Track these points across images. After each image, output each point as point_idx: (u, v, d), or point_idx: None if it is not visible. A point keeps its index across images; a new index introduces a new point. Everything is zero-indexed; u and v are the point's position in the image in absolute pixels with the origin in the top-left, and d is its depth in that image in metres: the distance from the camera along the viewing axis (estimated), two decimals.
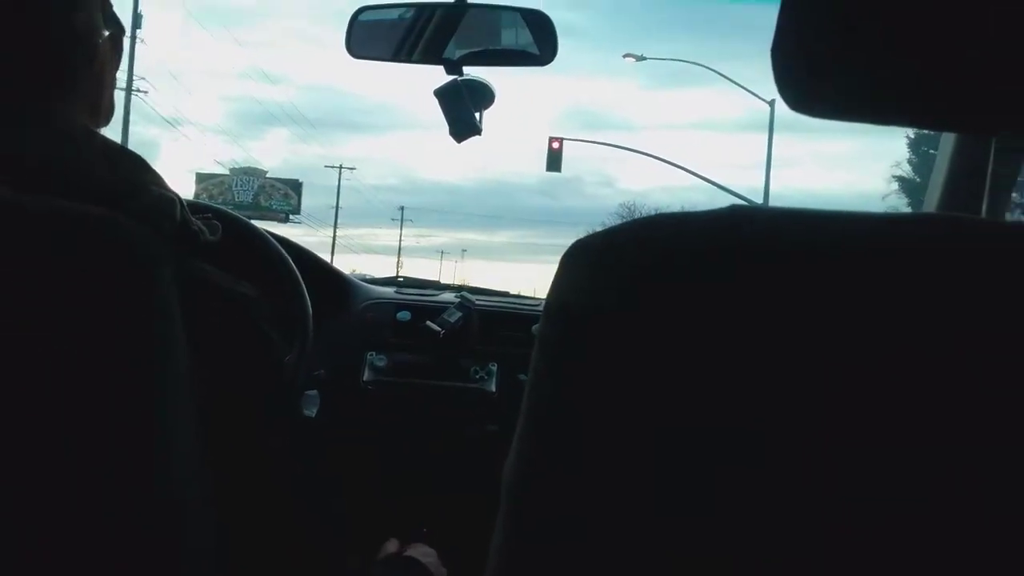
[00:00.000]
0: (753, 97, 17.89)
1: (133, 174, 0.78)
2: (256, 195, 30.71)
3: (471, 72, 1.41)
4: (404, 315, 1.74)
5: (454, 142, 1.48)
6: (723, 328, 0.49)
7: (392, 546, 1.22)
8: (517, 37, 1.36)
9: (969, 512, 0.45)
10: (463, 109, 1.41)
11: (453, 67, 1.37)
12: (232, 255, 1.16)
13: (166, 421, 0.68)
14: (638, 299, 0.51)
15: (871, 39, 0.51)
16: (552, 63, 1.36)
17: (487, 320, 1.73)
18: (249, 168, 32.20)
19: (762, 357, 0.48)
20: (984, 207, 0.55)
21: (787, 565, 0.46)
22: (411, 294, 1.84)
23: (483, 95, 1.43)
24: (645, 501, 0.49)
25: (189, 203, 1.34)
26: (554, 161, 17.21)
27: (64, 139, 0.74)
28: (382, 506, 1.64)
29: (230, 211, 1.53)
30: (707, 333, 0.49)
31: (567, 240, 0.59)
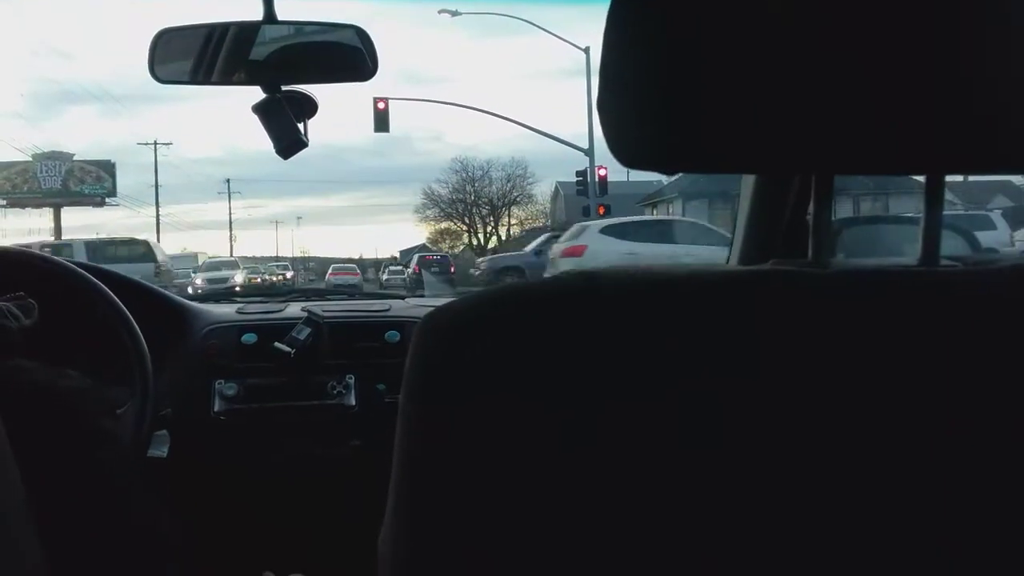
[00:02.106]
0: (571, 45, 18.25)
1: None
2: (65, 180, 28.57)
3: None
4: (250, 337, 1.67)
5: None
6: (588, 400, 0.50)
7: None
8: (336, 52, 1.31)
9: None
10: (285, 124, 1.35)
11: (270, 86, 1.31)
12: (56, 317, 1.07)
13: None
14: (498, 379, 0.51)
15: (693, 87, 0.51)
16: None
17: (338, 332, 1.68)
18: (53, 152, 29.84)
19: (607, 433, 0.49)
20: (810, 249, 0.58)
21: None
22: (254, 313, 1.77)
23: (305, 106, 1.38)
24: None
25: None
26: (381, 121, 16.93)
27: None
28: (253, 538, 1.59)
29: (49, 259, 1.42)
30: (571, 406, 0.50)
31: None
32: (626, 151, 0.55)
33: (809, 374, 0.49)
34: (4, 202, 28.36)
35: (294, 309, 1.78)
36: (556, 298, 0.53)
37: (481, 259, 23.22)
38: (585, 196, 18.74)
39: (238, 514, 1.62)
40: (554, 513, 0.49)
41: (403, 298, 1.97)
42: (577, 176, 18.96)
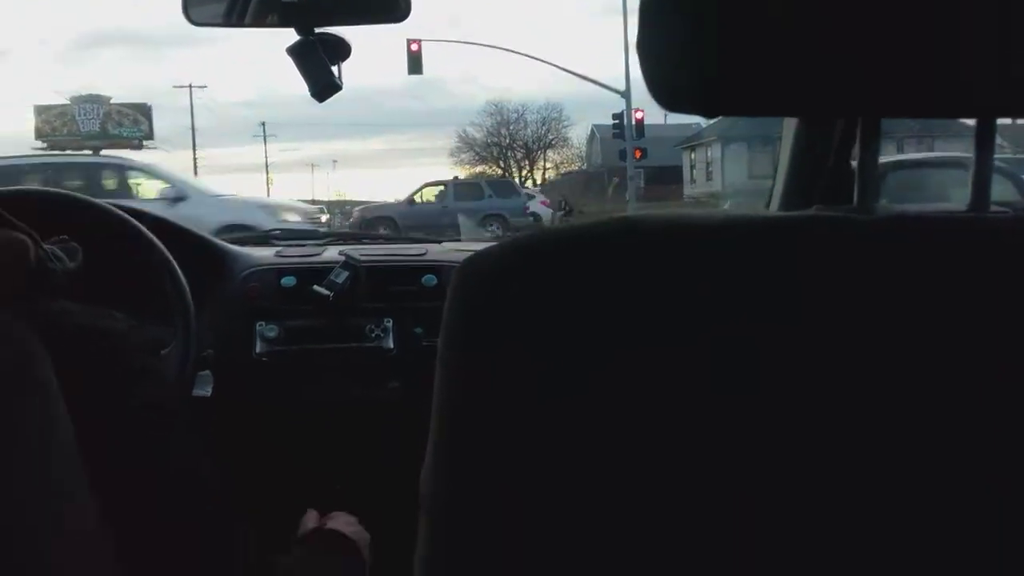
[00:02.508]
0: None
1: None
2: (103, 123, 28.79)
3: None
4: (289, 280, 1.69)
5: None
6: (620, 345, 0.50)
7: (311, 519, 1.22)
8: None
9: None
10: (320, 66, 1.35)
11: (304, 28, 1.30)
12: (99, 260, 1.09)
13: (54, 499, 0.65)
14: (537, 324, 0.51)
15: (737, 26, 0.50)
16: None
17: (375, 276, 1.70)
18: (92, 96, 30.03)
19: (649, 377, 0.49)
20: (855, 194, 0.56)
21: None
22: (293, 256, 1.79)
23: (339, 49, 1.37)
24: (568, 512, 0.51)
25: (44, 199, 1.24)
26: (415, 63, 16.83)
27: None
28: (294, 478, 1.63)
29: (93, 202, 1.45)
30: (604, 351, 0.50)
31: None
32: (666, 93, 0.54)
33: (853, 321, 0.49)
34: (44, 144, 28.69)
35: (332, 253, 1.79)
36: (595, 243, 0.53)
37: (356, 208, 22.80)
38: (621, 139, 18.53)
39: (281, 454, 1.66)
40: (591, 455, 0.50)
41: (439, 242, 1.98)
42: (613, 119, 18.74)
